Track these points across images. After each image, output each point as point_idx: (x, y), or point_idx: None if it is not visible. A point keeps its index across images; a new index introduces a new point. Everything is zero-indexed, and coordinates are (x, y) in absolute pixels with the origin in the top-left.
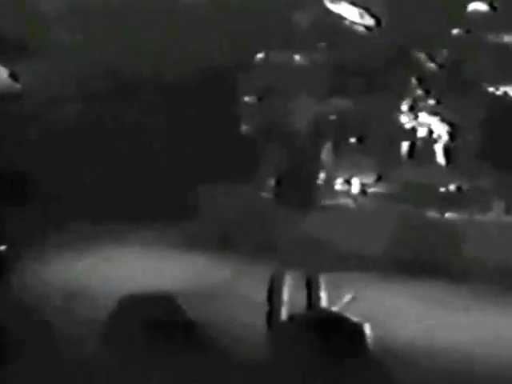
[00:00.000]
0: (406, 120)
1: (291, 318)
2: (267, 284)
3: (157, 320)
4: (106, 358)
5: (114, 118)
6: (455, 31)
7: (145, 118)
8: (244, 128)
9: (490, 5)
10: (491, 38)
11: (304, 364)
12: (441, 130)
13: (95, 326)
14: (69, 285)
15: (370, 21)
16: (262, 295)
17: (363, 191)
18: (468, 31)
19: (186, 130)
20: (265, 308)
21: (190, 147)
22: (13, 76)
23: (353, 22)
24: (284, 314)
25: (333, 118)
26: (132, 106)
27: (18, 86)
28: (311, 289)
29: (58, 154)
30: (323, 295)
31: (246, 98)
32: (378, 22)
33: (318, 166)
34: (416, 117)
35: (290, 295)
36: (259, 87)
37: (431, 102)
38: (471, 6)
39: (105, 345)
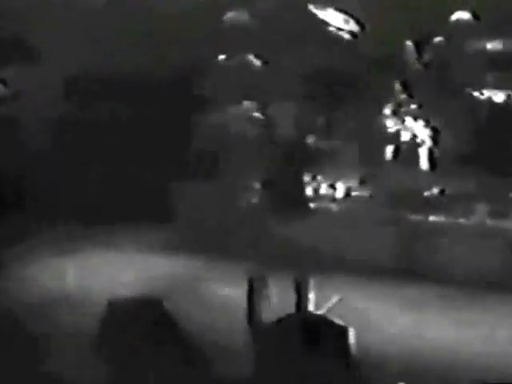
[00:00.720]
0: (390, 124)
1: (276, 320)
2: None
3: (140, 322)
4: (89, 361)
5: (96, 123)
6: (438, 39)
7: (126, 123)
8: (228, 131)
9: (473, 14)
10: (474, 45)
11: (287, 365)
12: (424, 135)
13: (78, 329)
14: (50, 289)
15: (354, 27)
16: (244, 297)
17: (347, 195)
18: (451, 38)
19: (167, 134)
20: (246, 311)
21: (172, 152)
22: (1, 81)
23: (338, 28)
24: (269, 316)
25: (317, 122)
26: (120, 110)
27: (6, 90)
28: (300, 292)
29: (40, 160)
30: (311, 298)
31: (232, 101)
32: (363, 28)
33: (303, 170)
34: (400, 121)
35: (277, 298)
36: (242, 90)
37: (414, 106)
38: (455, 16)
39: (88, 348)
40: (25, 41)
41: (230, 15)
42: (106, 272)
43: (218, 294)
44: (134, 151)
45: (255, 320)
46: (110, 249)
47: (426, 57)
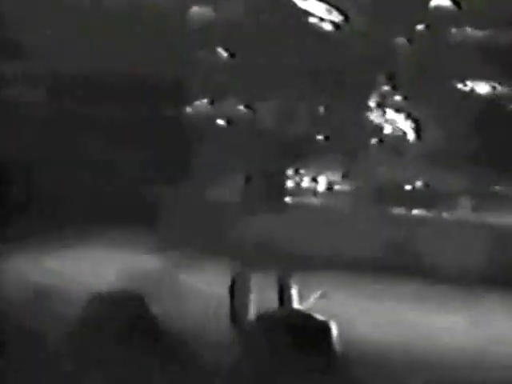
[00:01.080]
0: (373, 117)
1: (259, 317)
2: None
3: (124, 319)
4: (73, 357)
5: (82, 118)
6: (419, 27)
7: (111, 119)
8: (210, 127)
9: (454, 1)
10: (456, 33)
11: (270, 362)
12: (407, 127)
13: (63, 325)
14: (37, 284)
15: (337, 17)
16: (226, 295)
17: (330, 188)
18: (432, 27)
19: (149, 132)
20: (229, 308)
21: (153, 149)
22: None
23: (320, 19)
24: (252, 313)
25: (300, 115)
26: (107, 106)
27: None
28: (283, 288)
29: (27, 154)
30: (294, 294)
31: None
32: (346, 18)
33: (285, 164)
34: (383, 113)
35: (260, 294)
36: (223, 85)
37: (398, 98)
38: (434, 2)
39: (73, 344)
40: (11, 39)
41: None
42: (87, 268)
43: (200, 291)
44: (114, 151)
45: (238, 316)
46: (92, 246)
47: (410, 46)
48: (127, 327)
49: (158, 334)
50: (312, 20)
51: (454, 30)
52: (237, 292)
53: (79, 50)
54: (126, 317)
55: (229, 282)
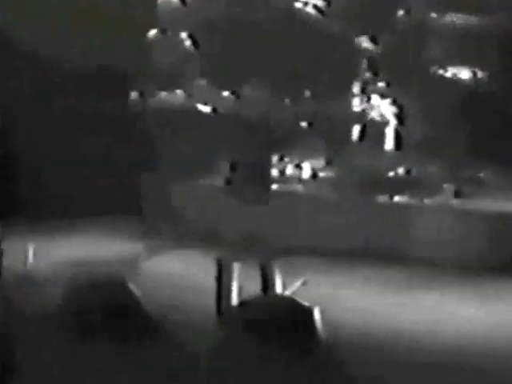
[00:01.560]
0: (356, 103)
1: (242, 303)
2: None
3: (108, 304)
4: (57, 342)
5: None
6: (400, 12)
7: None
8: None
9: None
10: (435, 19)
11: (254, 347)
12: (390, 114)
13: (46, 310)
14: (20, 270)
15: (320, 2)
16: (211, 282)
17: (314, 175)
18: (411, 12)
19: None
20: (214, 294)
21: (138, 138)
22: None
23: (304, 3)
24: (235, 299)
25: (284, 102)
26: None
27: None
28: (266, 275)
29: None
30: (277, 280)
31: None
32: (329, 3)
33: (270, 152)
34: (366, 100)
35: (243, 281)
36: (204, 72)
37: (381, 84)
38: None
39: (56, 329)
40: None
41: None
42: (69, 254)
43: (184, 277)
44: (102, 141)
45: (224, 302)
46: (75, 232)
47: (391, 32)
48: (111, 310)
49: (142, 320)
50: (297, 5)
51: (434, 16)
52: (223, 278)
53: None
54: (110, 300)
55: (211, 268)
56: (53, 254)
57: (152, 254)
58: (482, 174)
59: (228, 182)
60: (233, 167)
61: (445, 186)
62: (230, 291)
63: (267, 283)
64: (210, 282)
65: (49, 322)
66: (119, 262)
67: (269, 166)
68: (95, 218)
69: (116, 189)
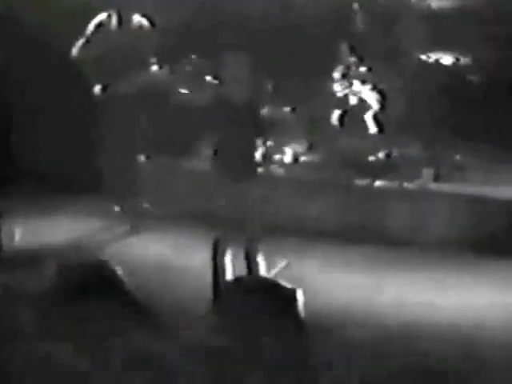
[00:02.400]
0: (338, 88)
1: (237, 279)
2: (207, 253)
3: (91, 282)
4: (41, 325)
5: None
6: None
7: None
8: (178, 99)
9: None
10: (417, 3)
11: (241, 329)
12: (371, 99)
13: (31, 293)
14: (4, 251)
15: None
16: (200, 264)
17: (295, 159)
18: None
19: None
20: (205, 276)
21: (126, 120)
22: None
23: None
24: (229, 277)
25: (266, 87)
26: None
27: None
28: (250, 257)
29: None
30: (261, 262)
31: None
32: None
33: (253, 136)
34: (348, 85)
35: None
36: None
37: (363, 69)
38: None
39: (40, 310)
40: None
41: None
42: (56, 234)
43: (167, 259)
44: (90, 122)
45: (219, 282)
46: (62, 213)
47: (373, 17)
48: (94, 290)
49: (125, 297)
50: None
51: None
52: (218, 258)
53: None
54: (94, 279)
55: (193, 250)
56: (39, 234)
57: (136, 233)
58: (461, 158)
59: (212, 164)
60: (216, 150)
61: (424, 170)
62: (223, 273)
63: (251, 264)
64: (199, 265)
65: (33, 301)
66: (101, 242)
67: (252, 149)
68: (77, 197)
69: (102, 169)
